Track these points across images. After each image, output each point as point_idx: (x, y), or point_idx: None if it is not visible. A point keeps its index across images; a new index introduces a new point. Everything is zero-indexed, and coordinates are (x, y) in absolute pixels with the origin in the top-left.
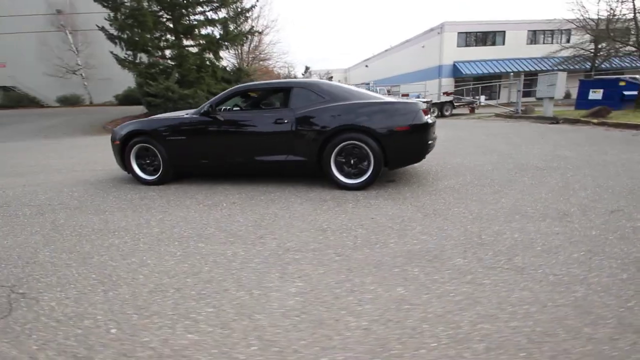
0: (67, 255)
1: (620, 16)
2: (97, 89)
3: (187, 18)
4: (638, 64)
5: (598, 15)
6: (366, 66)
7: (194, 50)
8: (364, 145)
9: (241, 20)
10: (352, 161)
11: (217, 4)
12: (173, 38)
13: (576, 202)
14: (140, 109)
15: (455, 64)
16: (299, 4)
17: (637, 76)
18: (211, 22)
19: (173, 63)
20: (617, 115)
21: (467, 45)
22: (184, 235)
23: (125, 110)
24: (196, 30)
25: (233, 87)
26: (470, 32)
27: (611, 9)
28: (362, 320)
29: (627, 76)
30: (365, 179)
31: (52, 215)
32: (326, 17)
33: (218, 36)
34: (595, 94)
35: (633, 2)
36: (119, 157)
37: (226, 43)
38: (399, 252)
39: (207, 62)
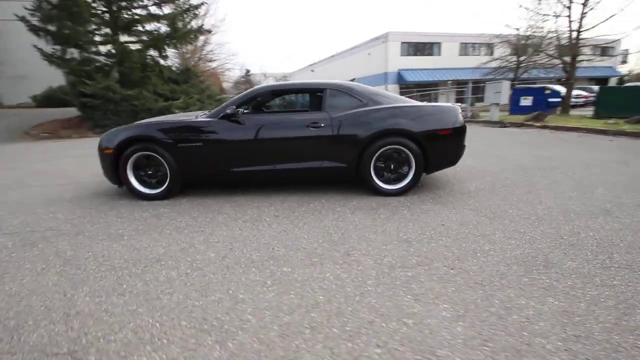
0: (120, 299)
1: (536, 33)
2: (8, 89)
3: (128, 12)
4: (550, 75)
5: (518, 32)
6: (312, 71)
7: (136, 47)
8: (405, 149)
9: (190, 17)
10: (391, 166)
11: None
12: (110, 32)
13: (602, 198)
14: (68, 112)
15: (400, 71)
16: (240, 6)
17: (558, 87)
18: (157, 18)
19: (112, 60)
20: (549, 119)
21: (409, 54)
22: (253, 258)
23: (49, 112)
24: (139, 25)
25: (255, 88)
26: (411, 42)
27: (530, 26)
28: (554, 340)
29: (549, 85)
30: (406, 185)
31: (50, 246)
32: (267, 21)
33: (165, 33)
34: (526, 101)
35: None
36: (111, 168)
37: (174, 41)
38: (507, 260)
39: (152, 61)
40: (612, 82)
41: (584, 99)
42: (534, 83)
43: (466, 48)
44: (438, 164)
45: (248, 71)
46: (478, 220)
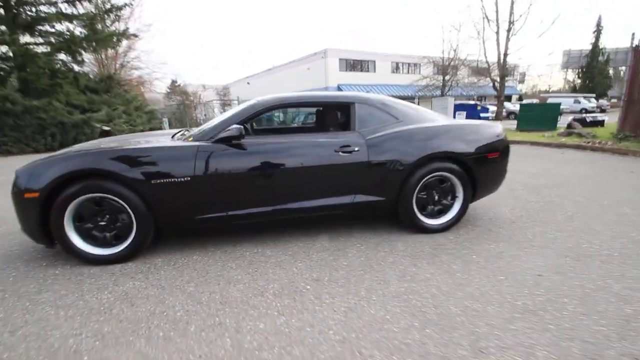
0: None
1: (457, 56)
2: None
3: (30, 8)
4: (471, 93)
5: (443, 54)
6: (248, 83)
7: (44, 49)
8: (453, 176)
9: (112, 18)
10: (435, 197)
11: None
12: (7, 31)
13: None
14: None
15: (339, 86)
16: (172, 13)
17: (488, 104)
18: (70, 18)
19: (9, 64)
20: None
21: (347, 70)
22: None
23: None
24: (45, 24)
25: (260, 101)
26: (349, 59)
27: (454, 51)
28: None
29: (479, 102)
30: (452, 218)
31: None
32: (201, 31)
33: (81, 35)
34: (461, 115)
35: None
36: (36, 220)
37: (93, 44)
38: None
39: (65, 67)
40: (514, 98)
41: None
42: (455, 100)
43: (397, 66)
44: (484, 190)
45: (175, 81)
46: (568, 264)
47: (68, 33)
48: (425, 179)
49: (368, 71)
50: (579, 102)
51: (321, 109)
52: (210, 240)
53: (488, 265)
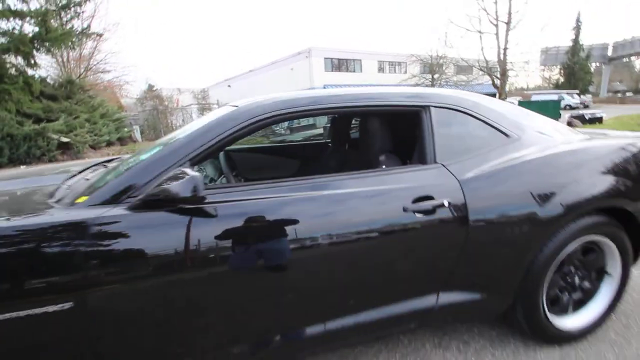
0: None
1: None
2: None
3: None
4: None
5: (431, 53)
6: (229, 86)
7: None
8: (608, 240)
9: (68, 15)
10: (575, 279)
11: None
12: None
13: None
14: None
15: (326, 86)
16: (146, 14)
17: None
18: (21, 15)
19: None
20: None
21: (333, 70)
22: None
23: None
24: None
25: (245, 109)
26: (334, 58)
27: (448, 47)
28: None
29: None
30: (600, 314)
31: None
32: (176, 32)
33: (33, 34)
34: None
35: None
36: None
37: (47, 44)
38: None
39: (14, 70)
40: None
41: None
42: None
43: (383, 65)
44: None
45: (152, 86)
46: None
47: (16, 31)
48: (569, 249)
49: (354, 71)
50: (563, 99)
51: (358, 119)
52: None
53: None
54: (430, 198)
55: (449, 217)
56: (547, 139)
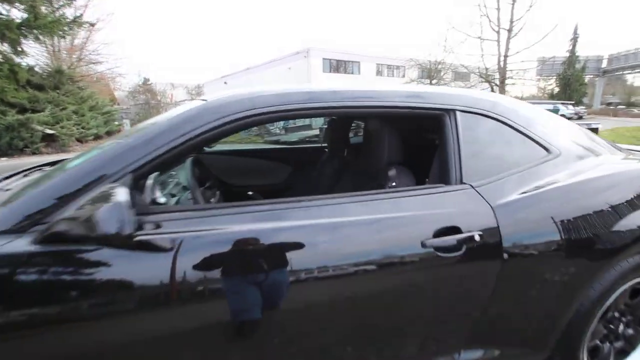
0: None
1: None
2: None
3: None
4: None
5: (430, 58)
6: (225, 83)
7: None
8: None
9: (60, 2)
10: (620, 326)
11: None
12: None
13: None
14: None
15: None
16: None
17: None
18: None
19: None
20: None
21: (331, 72)
22: None
23: None
24: None
25: (214, 104)
26: (332, 59)
27: (448, 52)
28: None
29: None
30: None
31: None
32: (172, 26)
33: (21, 20)
34: None
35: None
36: None
37: (35, 31)
38: None
39: (3, 58)
40: None
41: None
42: None
43: (381, 69)
44: None
45: (147, 80)
46: None
47: (3, 17)
48: (619, 291)
49: (352, 73)
50: (558, 109)
51: (360, 123)
52: None
53: None
54: (456, 230)
55: (478, 254)
56: (590, 155)
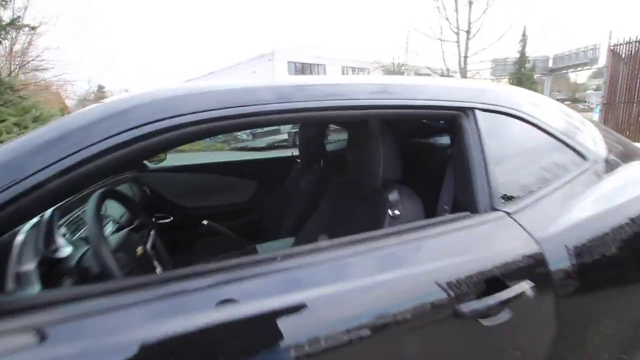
0: None
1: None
2: None
3: None
4: None
5: (393, 61)
6: None
7: None
8: None
9: None
10: None
11: None
12: None
13: None
14: None
15: None
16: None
17: None
18: None
19: None
20: None
21: (296, 73)
22: None
23: None
24: None
25: (137, 103)
26: (297, 62)
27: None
28: None
29: None
30: None
31: None
32: (127, 27)
33: None
34: None
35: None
36: None
37: None
38: None
39: None
40: None
41: None
42: None
43: (345, 71)
44: None
45: (102, 87)
46: None
47: None
48: None
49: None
50: None
51: (349, 127)
52: None
53: None
54: (499, 284)
55: (527, 312)
56: (617, 160)
